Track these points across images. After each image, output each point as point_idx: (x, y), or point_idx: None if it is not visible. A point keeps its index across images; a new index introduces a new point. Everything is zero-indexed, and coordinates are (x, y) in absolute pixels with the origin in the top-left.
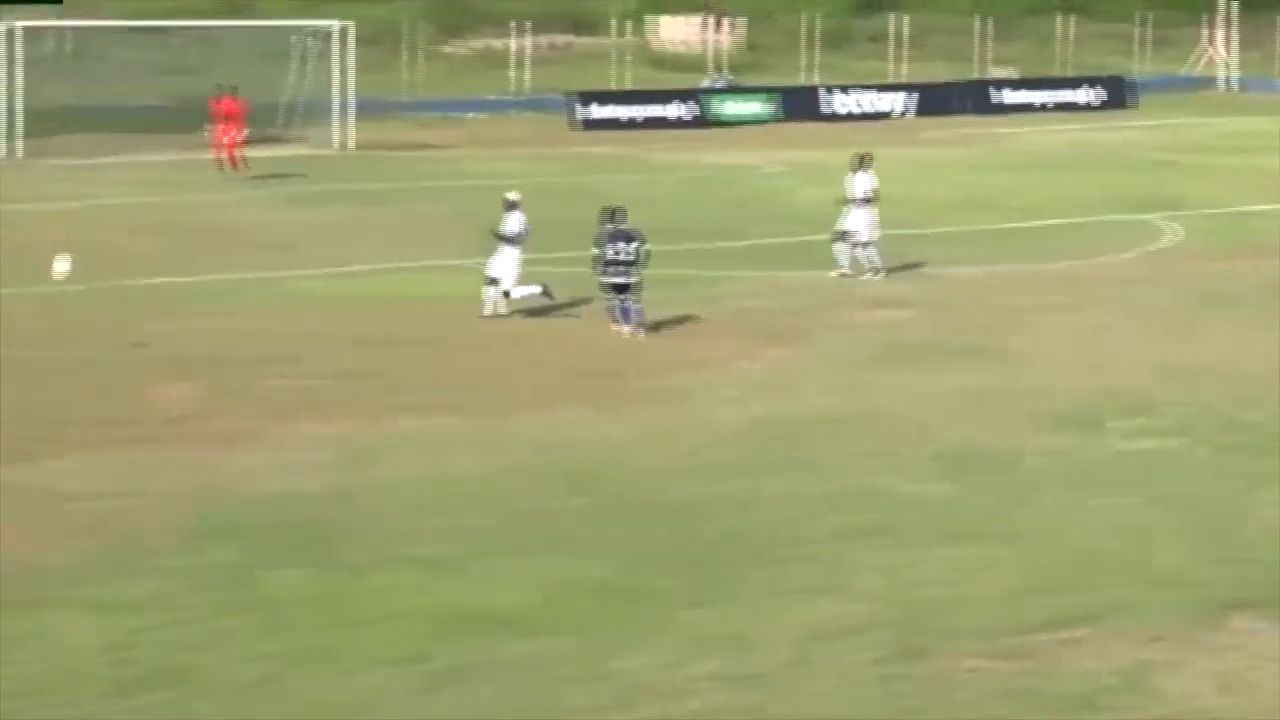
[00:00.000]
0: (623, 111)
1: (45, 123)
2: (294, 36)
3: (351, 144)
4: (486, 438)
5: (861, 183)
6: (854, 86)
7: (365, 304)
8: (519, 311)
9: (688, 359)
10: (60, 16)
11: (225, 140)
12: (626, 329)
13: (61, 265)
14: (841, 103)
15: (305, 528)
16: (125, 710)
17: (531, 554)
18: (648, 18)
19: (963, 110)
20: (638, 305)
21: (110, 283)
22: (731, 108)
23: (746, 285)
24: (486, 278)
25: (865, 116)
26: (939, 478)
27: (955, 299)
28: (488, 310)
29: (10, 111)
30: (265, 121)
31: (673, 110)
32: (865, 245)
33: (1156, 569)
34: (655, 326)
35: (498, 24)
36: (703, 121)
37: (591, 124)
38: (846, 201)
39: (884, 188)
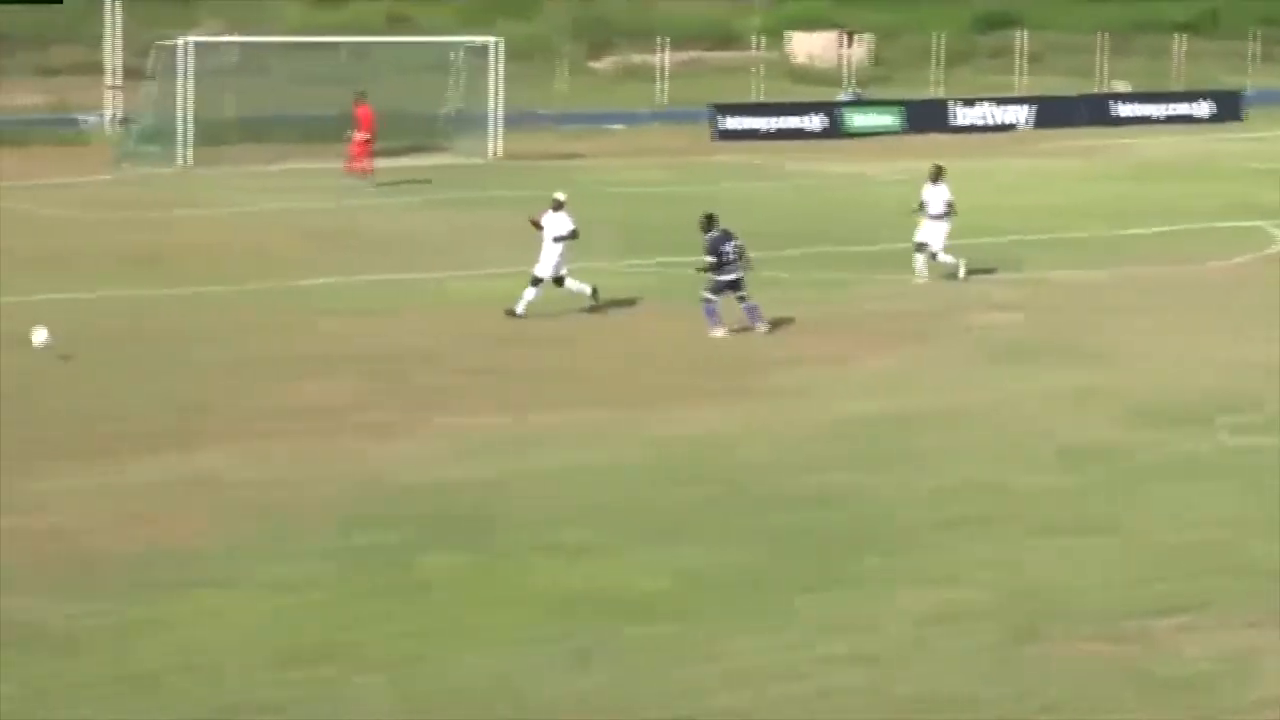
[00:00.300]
0: (758, 123)
1: (213, 132)
2: (451, 53)
3: (501, 154)
4: (623, 431)
5: (938, 195)
6: (977, 100)
7: (508, 304)
8: (595, 308)
9: (811, 357)
10: (229, 31)
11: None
12: (761, 326)
13: (39, 336)
14: (965, 115)
15: (453, 515)
16: (286, 684)
17: (665, 541)
18: (784, 33)
19: (1081, 122)
20: (753, 303)
21: (273, 284)
22: (860, 119)
23: (869, 288)
24: (532, 278)
25: (988, 128)
26: (1051, 471)
27: (1069, 302)
28: (587, 295)
29: (181, 122)
30: (420, 131)
31: (805, 122)
32: (934, 255)
33: (1260, 558)
34: (774, 325)
35: (641, 40)
36: (833, 132)
37: (729, 134)
38: (921, 208)
39: (1004, 197)
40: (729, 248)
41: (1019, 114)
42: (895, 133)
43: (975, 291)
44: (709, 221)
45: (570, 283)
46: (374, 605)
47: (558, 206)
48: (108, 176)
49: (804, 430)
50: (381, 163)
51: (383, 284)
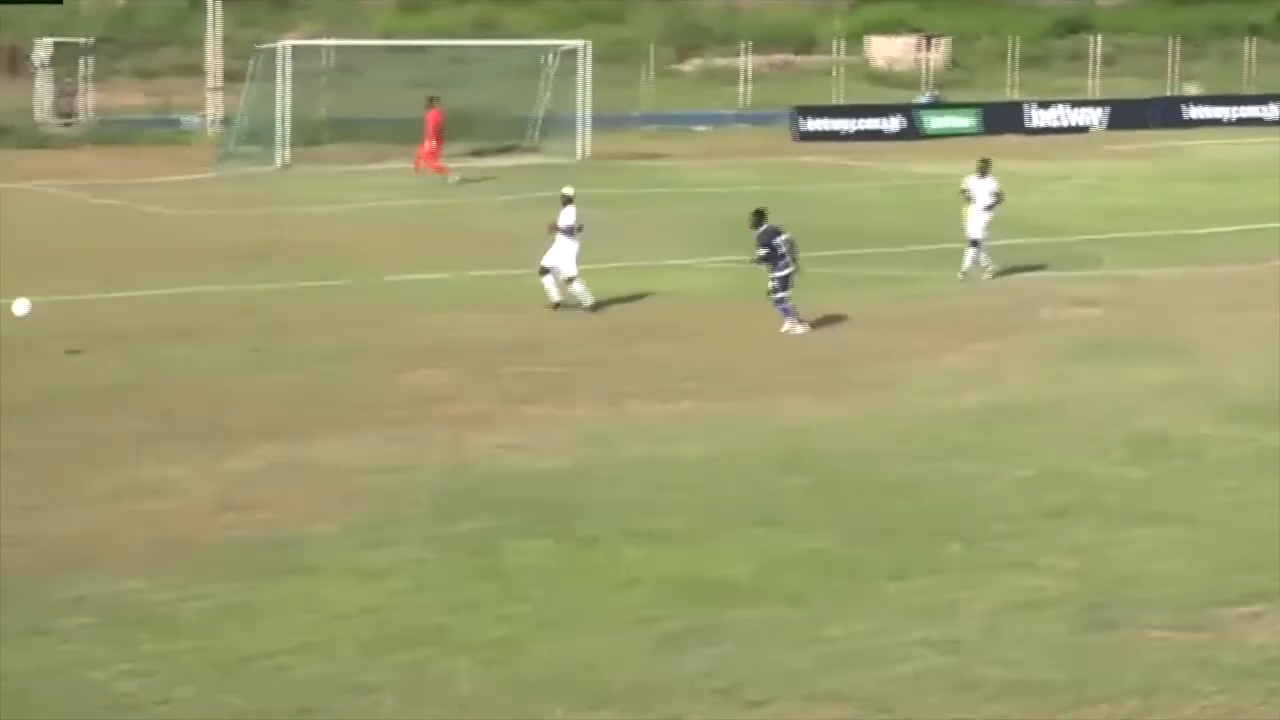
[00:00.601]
0: (838, 124)
1: (310, 133)
2: (542, 56)
3: (589, 154)
4: (712, 421)
5: (984, 187)
6: (1052, 102)
7: (599, 299)
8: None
9: (896, 352)
10: (325, 35)
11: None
12: (799, 324)
13: (20, 307)
14: (1040, 117)
15: (546, 502)
16: (384, 666)
17: (753, 528)
18: (864, 37)
19: (1153, 124)
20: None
21: (370, 279)
22: (938, 121)
23: (949, 285)
24: (540, 268)
25: (1062, 130)
26: (1129, 463)
27: (1144, 298)
28: (555, 297)
29: (279, 123)
30: (510, 132)
31: (884, 123)
32: (975, 244)
33: None
34: (834, 321)
35: (725, 44)
36: (911, 134)
37: (810, 136)
38: (964, 195)
39: (1079, 197)
40: (780, 241)
41: (1093, 116)
42: (972, 134)
43: (1054, 288)
44: (759, 217)
45: (547, 279)
46: (468, 590)
47: (566, 201)
48: (209, 175)
49: (891, 422)
50: (471, 163)
51: (476, 279)
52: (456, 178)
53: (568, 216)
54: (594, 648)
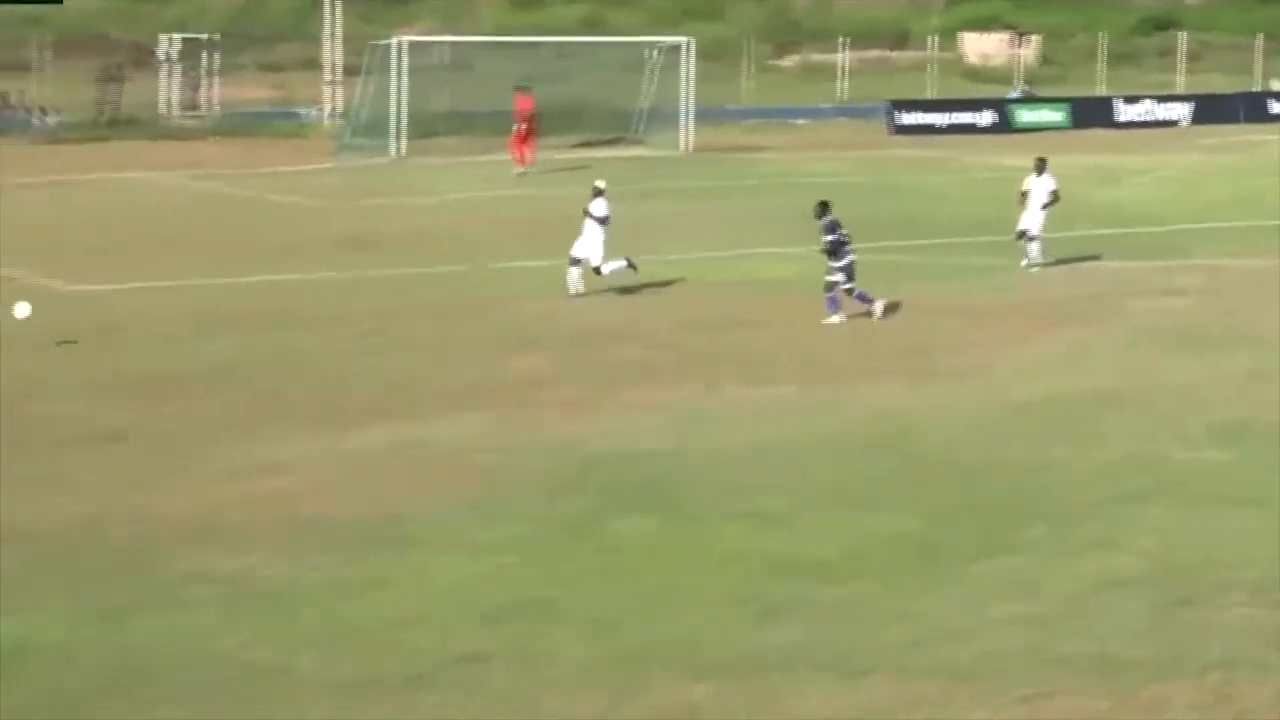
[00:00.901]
0: (932, 118)
1: (423, 125)
2: (646, 51)
3: (691, 147)
4: (804, 405)
5: (1043, 185)
6: (1140, 97)
7: (698, 287)
8: (612, 290)
9: (981, 339)
10: (439, 31)
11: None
12: (873, 306)
13: (22, 310)
14: (1128, 112)
15: (647, 482)
16: (493, 637)
17: (844, 509)
18: (957, 34)
19: (1239, 119)
20: (834, 293)
21: (478, 267)
22: (1029, 115)
23: (1038, 275)
24: (570, 259)
25: (1150, 124)
26: (1211, 447)
27: (1228, 288)
28: (572, 290)
29: (394, 116)
30: (616, 126)
31: (977, 117)
32: (1032, 239)
33: None
34: (919, 309)
35: (823, 40)
36: (1003, 128)
37: (905, 129)
38: (1023, 198)
39: (1165, 189)
40: (842, 233)
41: (1179, 111)
42: (1062, 128)
43: (1137, 277)
44: (823, 208)
45: (574, 271)
46: (573, 566)
47: (597, 193)
48: (327, 166)
49: (977, 407)
50: (579, 154)
51: None
52: (520, 170)
53: (599, 207)
54: (695, 621)
